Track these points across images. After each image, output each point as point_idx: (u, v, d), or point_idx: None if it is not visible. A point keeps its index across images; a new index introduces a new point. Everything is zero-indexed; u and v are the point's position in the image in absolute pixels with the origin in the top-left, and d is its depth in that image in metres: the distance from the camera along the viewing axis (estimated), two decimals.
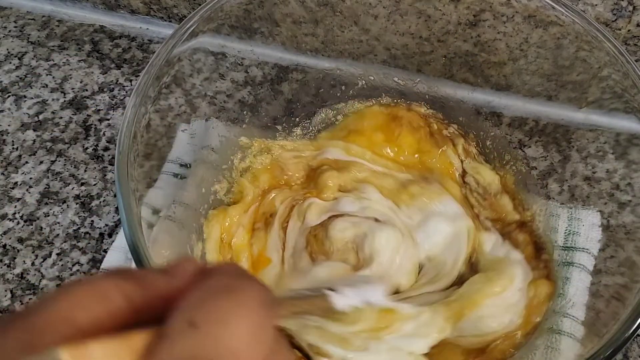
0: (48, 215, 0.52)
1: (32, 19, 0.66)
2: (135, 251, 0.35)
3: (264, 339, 0.19)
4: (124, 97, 0.59)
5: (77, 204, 0.52)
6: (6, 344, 0.17)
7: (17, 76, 0.61)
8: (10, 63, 0.62)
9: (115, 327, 0.18)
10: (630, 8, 0.49)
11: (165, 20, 0.64)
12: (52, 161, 0.55)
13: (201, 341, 0.17)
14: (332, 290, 0.31)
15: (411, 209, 0.47)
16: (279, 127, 0.52)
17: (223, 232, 0.46)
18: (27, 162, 0.55)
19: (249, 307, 0.19)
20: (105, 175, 0.54)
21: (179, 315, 0.18)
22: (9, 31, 0.65)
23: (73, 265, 0.49)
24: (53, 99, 0.59)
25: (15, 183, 0.54)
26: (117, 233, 0.50)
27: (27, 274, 0.49)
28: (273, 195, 0.48)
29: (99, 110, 0.58)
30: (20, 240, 0.51)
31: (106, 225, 0.51)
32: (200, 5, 0.45)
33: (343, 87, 0.53)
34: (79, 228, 0.51)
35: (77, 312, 0.18)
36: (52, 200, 0.53)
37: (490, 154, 0.51)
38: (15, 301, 0.47)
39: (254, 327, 0.18)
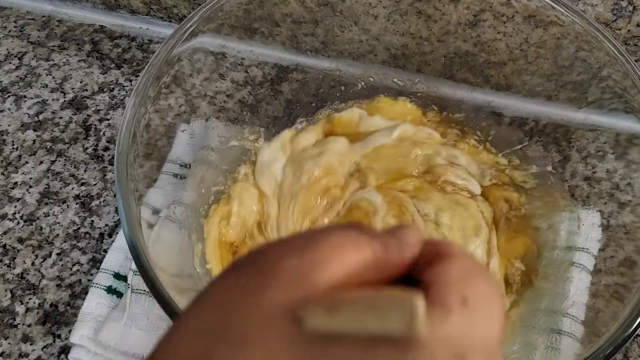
0: (48, 215, 0.52)
1: (32, 19, 0.66)
2: (135, 251, 0.35)
3: (502, 329, 0.20)
4: (124, 97, 0.59)
5: (77, 204, 0.52)
6: (296, 266, 0.18)
7: (17, 76, 0.61)
8: (10, 63, 0.62)
9: (363, 281, 0.19)
10: (630, 8, 0.49)
11: (165, 20, 0.64)
12: (52, 161, 0.55)
13: (473, 322, 0.18)
14: None
15: None
16: (279, 127, 0.52)
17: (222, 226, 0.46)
18: (27, 162, 0.55)
19: (500, 294, 0.20)
20: (105, 175, 0.54)
21: (451, 289, 0.19)
22: (9, 31, 0.65)
23: (73, 265, 0.49)
24: (53, 99, 0.59)
25: (15, 183, 0.54)
26: (117, 233, 0.50)
27: (27, 274, 0.49)
28: None
29: (99, 110, 0.58)
30: (20, 240, 0.51)
31: (106, 225, 0.51)
32: (200, 5, 0.45)
33: (343, 87, 0.53)
34: (79, 228, 0.51)
35: (339, 258, 0.18)
36: (52, 200, 0.53)
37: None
38: (15, 301, 0.47)
39: (502, 313, 0.20)
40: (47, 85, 0.60)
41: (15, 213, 0.52)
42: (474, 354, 0.17)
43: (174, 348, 0.18)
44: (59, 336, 0.46)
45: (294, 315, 0.17)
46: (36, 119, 0.58)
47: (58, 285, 0.48)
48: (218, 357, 0.17)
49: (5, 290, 0.48)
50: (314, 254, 0.18)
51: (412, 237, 0.21)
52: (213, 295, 0.19)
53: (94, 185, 0.54)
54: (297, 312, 0.17)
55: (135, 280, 0.45)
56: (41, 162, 0.55)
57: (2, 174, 0.55)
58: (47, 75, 0.61)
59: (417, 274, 0.20)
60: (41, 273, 0.49)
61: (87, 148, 0.56)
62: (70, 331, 0.45)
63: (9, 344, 0.46)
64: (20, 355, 0.45)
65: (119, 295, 0.46)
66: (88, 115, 0.58)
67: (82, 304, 0.45)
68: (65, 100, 0.59)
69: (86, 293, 0.46)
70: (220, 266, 0.45)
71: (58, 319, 0.47)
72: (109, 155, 0.55)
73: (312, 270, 0.18)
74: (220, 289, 0.19)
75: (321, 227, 0.20)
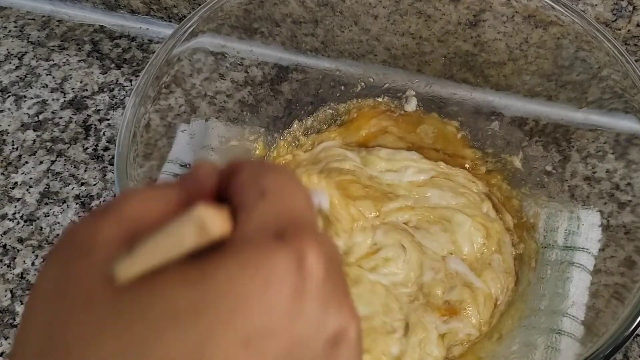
0: (48, 215, 0.52)
1: (32, 19, 0.66)
2: None
3: (312, 206, 0.21)
4: (124, 97, 0.59)
5: (77, 204, 0.52)
6: (107, 232, 0.18)
7: (17, 76, 0.61)
8: (10, 63, 0.62)
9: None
10: (630, 8, 0.49)
11: (165, 20, 0.64)
12: (52, 161, 0.55)
13: (276, 205, 0.19)
14: None
15: None
16: (279, 128, 0.52)
17: None
18: (27, 162, 0.55)
19: (297, 179, 0.20)
20: (105, 175, 0.54)
21: (247, 189, 0.19)
22: (9, 31, 0.65)
23: None
24: (53, 99, 0.59)
25: (15, 183, 0.54)
26: None
27: (27, 274, 0.49)
28: None
29: (99, 110, 0.58)
30: (20, 240, 0.51)
31: None
32: (200, 5, 0.45)
33: (343, 87, 0.53)
34: None
35: (149, 207, 0.19)
36: (52, 200, 0.53)
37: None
38: (15, 301, 0.47)
39: (306, 194, 0.20)
40: (47, 85, 0.60)
41: (15, 213, 0.52)
42: (292, 225, 0.18)
43: (22, 346, 0.18)
44: None
45: (108, 276, 0.17)
46: (36, 119, 0.58)
47: None
48: (62, 344, 0.17)
49: (5, 290, 0.48)
50: (125, 213, 0.19)
51: (203, 169, 0.21)
52: (39, 285, 0.19)
53: (94, 185, 0.54)
54: (110, 272, 0.17)
55: None
56: (41, 162, 0.55)
57: (2, 174, 0.55)
58: (47, 75, 0.61)
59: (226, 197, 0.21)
60: None
61: (87, 148, 0.56)
62: None
63: (9, 344, 0.46)
64: None
65: None
66: (88, 115, 0.58)
67: None
68: (65, 100, 0.59)
69: None
70: None
71: None
72: (109, 155, 0.55)
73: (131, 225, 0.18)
74: (43, 277, 0.19)
75: (126, 190, 0.21)
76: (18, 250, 0.50)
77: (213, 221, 0.17)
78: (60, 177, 0.54)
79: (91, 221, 0.19)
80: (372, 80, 0.53)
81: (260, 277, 0.17)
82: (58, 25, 0.65)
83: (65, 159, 0.55)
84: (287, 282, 0.17)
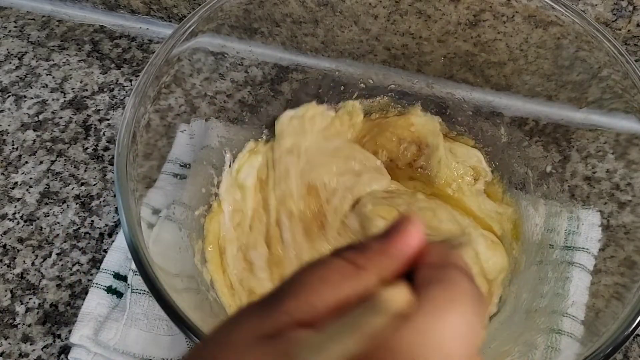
0: (48, 215, 0.52)
1: (32, 19, 0.66)
2: (135, 251, 0.35)
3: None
4: (124, 97, 0.59)
5: (77, 204, 0.52)
6: (242, 330, 0.20)
7: (17, 76, 0.61)
8: (10, 63, 0.62)
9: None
10: (630, 8, 0.49)
11: (165, 20, 0.64)
12: (52, 161, 0.55)
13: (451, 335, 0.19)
14: None
15: None
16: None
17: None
18: (27, 162, 0.55)
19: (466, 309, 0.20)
20: (105, 175, 0.54)
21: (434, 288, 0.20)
22: (9, 31, 0.65)
23: (73, 265, 0.49)
24: (53, 99, 0.59)
25: (15, 183, 0.54)
26: (117, 233, 0.50)
27: (27, 274, 0.49)
28: None
29: (99, 110, 0.58)
30: (20, 240, 0.51)
31: (106, 225, 0.51)
32: (200, 5, 0.45)
33: (343, 87, 0.53)
34: (79, 228, 0.51)
35: (328, 294, 0.20)
36: (52, 200, 0.53)
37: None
38: (15, 301, 0.47)
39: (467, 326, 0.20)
40: (47, 85, 0.60)
41: (15, 213, 0.52)
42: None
43: None
44: (59, 336, 0.46)
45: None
46: (36, 119, 0.58)
47: (58, 285, 0.48)
48: None
49: (5, 290, 0.48)
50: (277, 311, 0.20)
51: (406, 242, 0.22)
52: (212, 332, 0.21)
53: (94, 185, 0.54)
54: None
55: (135, 280, 0.45)
56: (41, 162, 0.55)
57: (2, 174, 0.55)
58: (47, 75, 0.61)
59: (415, 275, 0.21)
60: (41, 273, 0.49)
61: (87, 148, 0.56)
62: (70, 331, 0.45)
63: (9, 344, 0.46)
64: (20, 355, 0.45)
65: (119, 295, 0.46)
66: (88, 115, 0.58)
67: (82, 304, 0.45)
68: (65, 100, 0.59)
69: (86, 293, 0.46)
70: (219, 266, 0.45)
71: (58, 319, 0.47)
72: (109, 155, 0.55)
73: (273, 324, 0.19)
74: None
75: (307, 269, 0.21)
76: (18, 250, 0.50)
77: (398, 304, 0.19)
78: (60, 177, 0.54)
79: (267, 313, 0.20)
80: (371, 81, 0.53)
81: None
82: (58, 25, 0.65)
83: (65, 159, 0.55)
84: None
